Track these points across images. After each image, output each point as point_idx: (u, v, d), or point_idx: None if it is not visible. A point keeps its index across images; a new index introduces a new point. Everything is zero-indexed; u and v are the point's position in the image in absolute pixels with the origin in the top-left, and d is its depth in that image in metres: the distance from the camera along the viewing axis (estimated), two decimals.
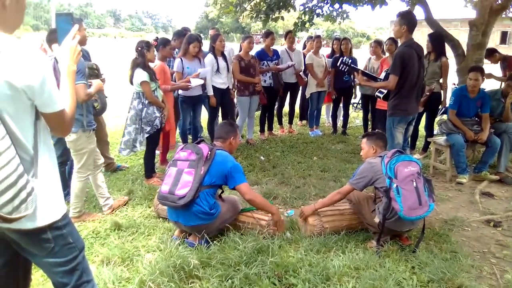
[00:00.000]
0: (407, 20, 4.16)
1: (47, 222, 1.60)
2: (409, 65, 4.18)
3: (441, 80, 5.66)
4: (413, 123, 4.82)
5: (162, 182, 3.31)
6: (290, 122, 7.56)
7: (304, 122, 8.11)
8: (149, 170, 4.75)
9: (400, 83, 4.21)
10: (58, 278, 1.74)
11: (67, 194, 3.93)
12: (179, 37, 5.85)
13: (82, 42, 3.59)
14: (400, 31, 4.21)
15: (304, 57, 7.03)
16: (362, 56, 7.15)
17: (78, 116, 3.44)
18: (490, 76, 6.55)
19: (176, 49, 5.84)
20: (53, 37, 3.77)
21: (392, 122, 4.40)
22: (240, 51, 6.31)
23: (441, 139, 5.26)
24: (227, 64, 5.91)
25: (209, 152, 3.21)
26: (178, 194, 3.08)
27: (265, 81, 6.50)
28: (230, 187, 3.32)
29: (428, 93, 5.48)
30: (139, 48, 4.38)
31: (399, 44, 4.35)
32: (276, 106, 7.22)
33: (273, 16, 7.19)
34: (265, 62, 6.48)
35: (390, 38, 6.44)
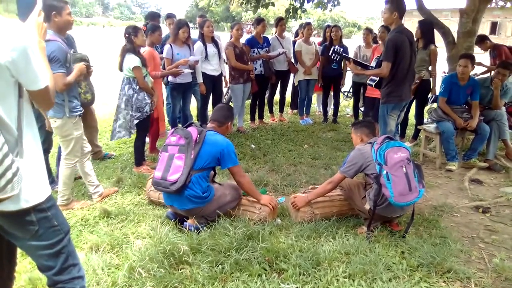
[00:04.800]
0: (397, 6, 4.16)
1: (31, 204, 1.56)
2: (401, 51, 4.17)
3: (430, 68, 5.67)
4: (405, 110, 4.83)
5: (154, 171, 3.32)
6: (281, 110, 7.53)
7: (295, 111, 8.08)
8: (139, 158, 4.70)
9: (393, 69, 4.19)
10: (43, 261, 1.71)
11: (52, 181, 3.90)
12: (152, 20, 5.71)
13: (67, 26, 3.48)
14: (392, 18, 4.19)
15: (294, 44, 6.98)
16: (354, 46, 7.11)
17: (61, 102, 3.38)
18: (479, 64, 6.57)
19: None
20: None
21: (386, 109, 4.39)
22: (230, 38, 6.24)
23: (431, 127, 5.27)
24: (218, 51, 5.84)
25: (198, 135, 3.19)
26: (170, 180, 3.09)
27: (255, 68, 6.44)
28: (222, 168, 3.34)
29: (417, 81, 5.48)
30: (127, 35, 4.31)
31: (390, 30, 4.32)
32: (267, 94, 7.18)
33: (264, 2, 7.08)
34: (256, 49, 6.41)
35: (383, 26, 6.41)
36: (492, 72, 5.66)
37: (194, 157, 3.13)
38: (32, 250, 1.69)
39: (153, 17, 5.84)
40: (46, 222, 1.64)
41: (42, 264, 1.73)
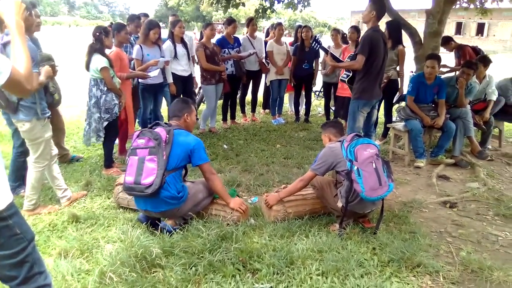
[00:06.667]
0: (377, 7, 4.29)
1: None
2: (376, 49, 4.29)
3: (398, 68, 5.80)
4: (376, 107, 4.93)
5: (123, 173, 3.22)
6: (253, 110, 7.54)
7: (267, 110, 8.10)
8: (109, 160, 4.61)
9: (367, 66, 4.30)
10: (5, 271, 1.64)
11: (18, 185, 3.78)
12: (132, 21, 5.68)
13: (35, 27, 3.41)
14: (369, 16, 4.30)
15: (266, 44, 7.00)
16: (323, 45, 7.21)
17: (31, 104, 3.28)
18: (444, 66, 6.76)
19: (132, 35, 5.65)
20: None
21: (357, 106, 4.48)
22: (201, 38, 6.18)
23: (400, 125, 5.40)
24: (187, 51, 5.79)
25: (167, 135, 3.12)
26: (144, 183, 3.01)
27: (227, 69, 6.41)
28: (193, 165, 3.30)
29: (385, 80, 5.59)
30: (97, 34, 4.22)
31: (366, 29, 4.41)
32: (238, 95, 7.17)
33: (234, 2, 7.07)
34: (226, 49, 6.39)
35: (352, 27, 6.52)
36: (457, 72, 5.84)
37: (167, 157, 3.07)
38: None
39: (132, 19, 5.76)
40: (7, 231, 1.57)
41: (4, 275, 1.66)
